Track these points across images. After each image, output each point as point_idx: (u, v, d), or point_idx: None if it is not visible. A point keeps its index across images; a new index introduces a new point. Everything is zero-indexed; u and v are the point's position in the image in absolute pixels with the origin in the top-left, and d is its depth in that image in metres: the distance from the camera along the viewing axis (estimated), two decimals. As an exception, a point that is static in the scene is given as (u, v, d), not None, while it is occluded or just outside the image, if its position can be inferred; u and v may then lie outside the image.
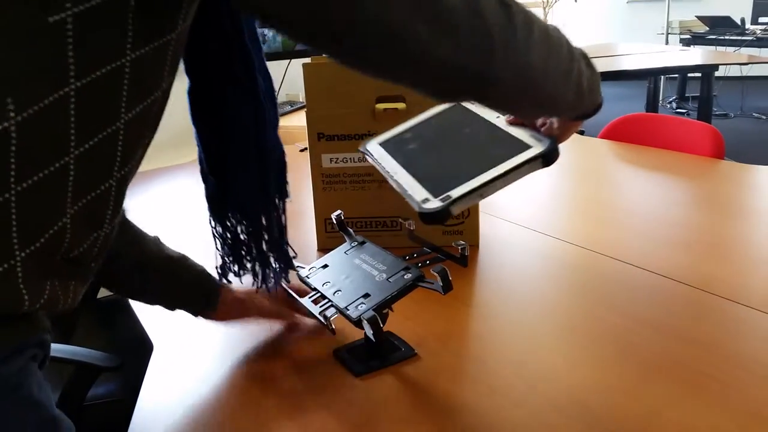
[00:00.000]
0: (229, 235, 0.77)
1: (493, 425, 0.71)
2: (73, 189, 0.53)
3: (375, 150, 0.84)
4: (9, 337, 0.56)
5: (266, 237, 0.77)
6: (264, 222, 0.77)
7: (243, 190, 0.73)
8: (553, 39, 0.61)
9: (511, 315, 0.95)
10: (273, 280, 0.81)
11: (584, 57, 0.68)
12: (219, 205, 0.75)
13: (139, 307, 1.04)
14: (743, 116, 5.73)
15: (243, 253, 0.79)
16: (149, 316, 1.01)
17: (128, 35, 0.51)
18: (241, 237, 0.77)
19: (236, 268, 0.83)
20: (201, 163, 0.75)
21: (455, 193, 0.69)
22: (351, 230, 0.92)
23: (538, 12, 8.17)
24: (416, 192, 0.71)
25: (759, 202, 1.38)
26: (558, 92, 0.64)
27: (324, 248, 1.20)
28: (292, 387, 0.79)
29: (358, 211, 1.19)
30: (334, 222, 0.92)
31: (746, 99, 6.07)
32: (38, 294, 0.55)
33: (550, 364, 0.82)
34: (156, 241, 0.85)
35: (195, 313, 0.87)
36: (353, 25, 0.49)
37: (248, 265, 0.81)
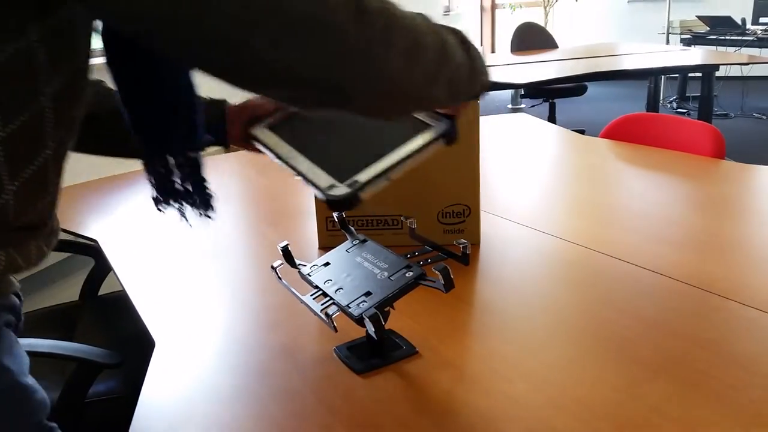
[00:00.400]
0: (153, 170, 0.77)
1: (494, 423, 0.71)
2: (8, 169, 0.55)
3: (266, 136, 0.81)
4: None
5: (180, 174, 0.77)
6: (177, 159, 0.76)
7: (151, 126, 0.72)
8: (420, 45, 0.57)
9: (512, 313, 0.95)
10: (199, 213, 0.81)
11: (462, 42, 0.65)
12: (147, 145, 0.76)
13: (140, 304, 1.04)
14: (744, 116, 5.73)
15: (166, 188, 0.79)
16: (151, 312, 1.01)
17: (30, 14, 0.52)
18: (162, 172, 0.77)
19: (163, 201, 0.82)
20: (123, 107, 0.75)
21: (362, 177, 0.67)
22: (352, 228, 0.92)
23: (539, 12, 8.18)
24: (319, 178, 0.69)
25: (759, 202, 1.39)
26: (425, 95, 0.61)
27: (325, 246, 1.20)
28: (294, 385, 0.80)
29: (359, 210, 1.19)
30: (336, 220, 0.93)
31: (747, 99, 6.07)
32: None
33: (550, 362, 0.82)
34: None
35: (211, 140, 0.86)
36: (199, 33, 0.47)
37: (171, 200, 0.81)
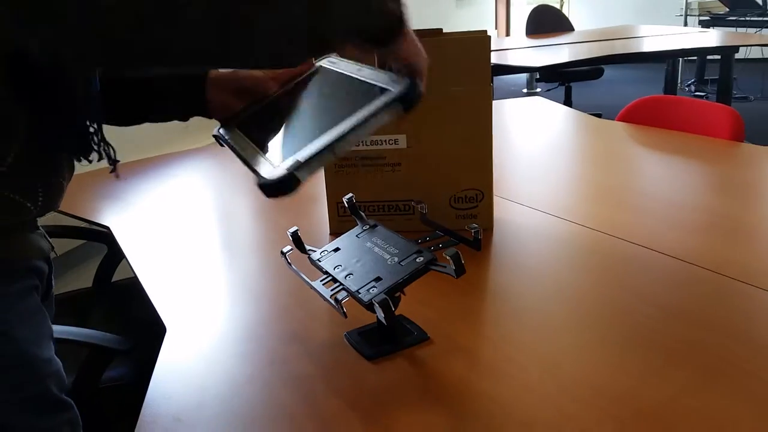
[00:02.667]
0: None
1: (507, 410, 0.70)
2: None
3: (230, 134, 0.77)
4: None
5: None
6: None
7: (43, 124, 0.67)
8: None
9: (525, 299, 0.94)
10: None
11: None
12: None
13: (152, 290, 1.04)
14: (764, 99, 5.63)
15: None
16: (162, 299, 1.01)
17: None
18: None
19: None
20: None
21: (302, 155, 0.59)
22: (363, 213, 0.91)
23: (555, -7, 8.04)
24: (261, 165, 0.63)
25: (780, 186, 1.36)
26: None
27: (337, 232, 1.19)
28: (304, 370, 0.79)
29: (370, 195, 1.18)
30: (346, 205, 0.92)
31: (767, 82, 5.96)
32: None
33: (563, 348, 0.81)
34: None
35: (188, 107, 0.83)
36: None
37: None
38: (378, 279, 0.77)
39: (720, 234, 1.12)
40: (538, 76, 5.56)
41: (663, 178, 1.43)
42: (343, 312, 0.78)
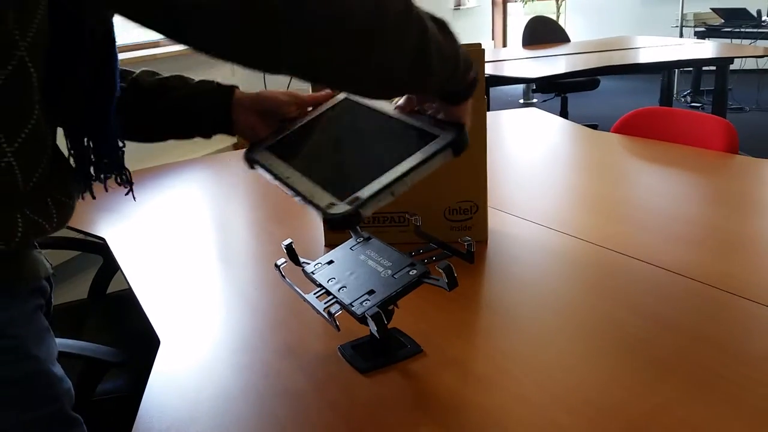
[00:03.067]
0: (74, 144, 0.74)
1: (500, 422, 0.70)
2: (3, 131, 0.55)
3: (263, 157, 0.77)
4: None
5: (90, 131, 0.73)
6: (89, 118, 0.72)
7: (63, 82, 0.68)
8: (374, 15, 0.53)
9: (518, 312, 0.94)
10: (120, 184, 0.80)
11: (440, 24, 0.61)
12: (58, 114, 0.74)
13: (146, 302, 1.04)
14: (759, 110, 5.66)
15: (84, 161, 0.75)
16: (156, 311, 1.01)
17: None
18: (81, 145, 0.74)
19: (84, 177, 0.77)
20: None
21: (364, 193, 0.62)
22: (357, 226, 0.91)
23: (550, 5, 8.11)
24: (319, 197, 0.65)
25: (773, 197, 1.36)
26: (395, 69, 0.56)
27: (331, 244, 1.19)
28: (297, 383, 0.79)
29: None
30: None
31: (762, 92, 5.99)
32: (12, 229, 0.57)
33: (557, 360, 0.81)
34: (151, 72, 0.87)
35: (215, 125, 0.87)
36: None
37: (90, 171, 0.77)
38: (371, 292, 0.78)
39: (713, 246, 1.13)
40: (534, 87, 5.57)
41: (657, 190, 1.44)
42: (336, 325, 0.78)
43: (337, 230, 0.63)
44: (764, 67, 6.14)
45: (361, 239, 0.89)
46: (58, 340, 1.12)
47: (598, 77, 4.57)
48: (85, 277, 1.71)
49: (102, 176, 0.77)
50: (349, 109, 0.80)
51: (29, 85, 0.57)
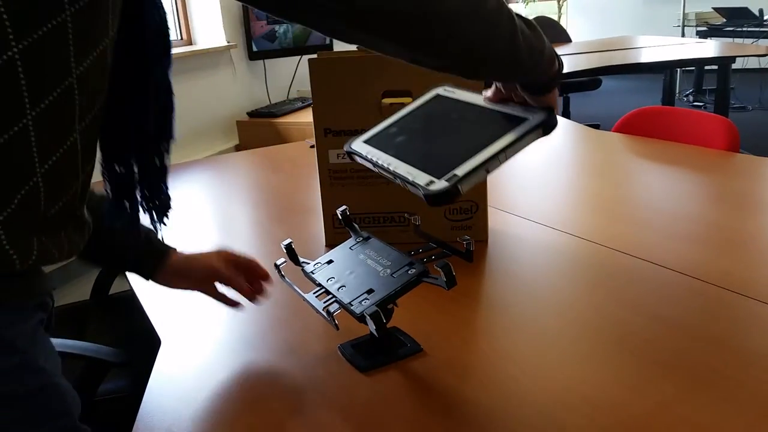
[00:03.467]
0: (114, 176, 0.74)
1: (500, 421, 0.70)
2: (37, 150, 0.55)
3: (361, 148, 0.82)
4: (6, 296, 0.58)
5: (145, 177, 0.74)
6: (144, 162, 0.74)
7: (122, 128, 0.70)
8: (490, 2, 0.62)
9: (518, 311, 0.94)
10: (154, 224, 0.79)
11: (526, 22, 0.68)
12: (106, 147, 0.72)
13: (147, 303, 1.05)
14: (761, 109, 5.65)
15: (125, 194, 0.75)
16: (157, 311, 1.01)
17: None
18: (124, 178, 0.74)
19: (118, 210, 0.77)
20: None
21: (461, 170, 0.67)
22: (356, 225, 0.91)
23: (552, 5, 8.10)
24: (418, 178, 0.69)
25: (774, 196, 1.36)
26: (504, 51, 0.64)
27: (332, 243, 1.20)
28: (297, 383, 0.79)
29: (365, 207, 1.18)
30: (340, 217, 0.92)
31: (764, 91, 5.98)
32: (27, 253, 0.57)
33: (557, 359, 0.81)
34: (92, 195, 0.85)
35: (146, 277, 0.91)
36: None
37: (126, 206, 0.76)
38: (370, 291, 0.78)
39: (714, 245, 1.13)
40: (536, 87, 5.57)
41: (658, 189, 1.44)
42: (335, 324, 0.78)
43: (437, 205, 0.67)
44: (766, 66, 6.12)
45: (361, 239, 0.89)
46: (59, 341, 1.13)
47: (600, 77, 4.57)
48: (87, 278, 1.71)
49: (154, 219, 0.79)
50: (440, 102, 0.85)
51: (71, 111, 0.56)
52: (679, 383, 0.74)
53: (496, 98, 0.78)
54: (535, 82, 0.72)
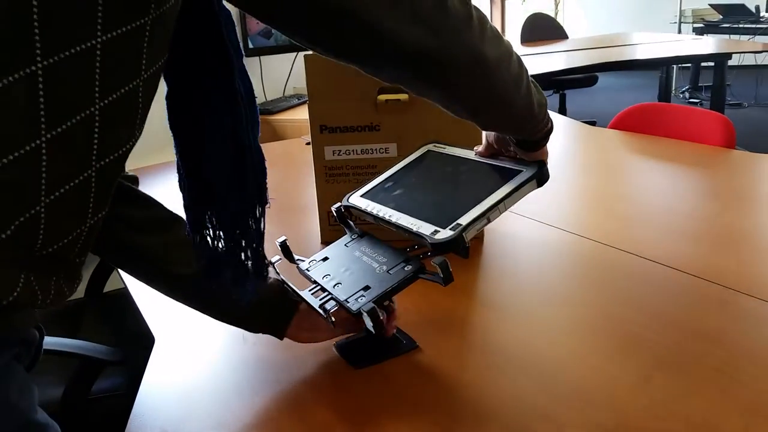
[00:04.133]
0: (209, 246, 0.74)
1: (495, 418, 0.70)
2: (47, 176, 0.52)
3: (360, 202, 0.86)
4: None
5: (243, 244, 0.75)
6: (242, 230, 0.74)
7: (223, 197, 0.71)
8: (504, 44, 0.64)
9: (514, 307, 0.94)
10: (249, 290, 0.77)
11: (533, 81, 0.72)
12: (198, 214, 0.73)
13: (141, 301, 1.04)
14: (757, 105, 5.66)
15: (219, 260, 0.75)
16: (151, 309, 1.01)
17: (98, 16, 0.49)
18: (219, 245, 0.74)
19: (214, 277, 0.77)
20: (178, 170, 0.73)
21: (464, 219, 0.71)
22: (351, 222, 0.91)
23: (548, 2, 8.11)
24: (423, 228, 0.73)
25: (771, 192, 1.36)
26: (509, 92, 0.66)
27: (328, 240, 1.19)
28: (293, 380, 0.79)
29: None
30: (335, 214, 0.92)
31: (761, 88, 5.98)
32: (9, 288, 0.53)
33: (553, 356, 0.80)
34: None
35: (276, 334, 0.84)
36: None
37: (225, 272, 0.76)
38: (366, 288, 0.77)
39: (711, 241, 1.12)
40: (533, 84, 5.57)
41: (655, 186, 1.44)
42: (332, 321, 0.77)
43: (442, 254, 0.71)
44: (763, 63, 6.13)
45: (356, 235, 0.89)
46: (54, 339, 1.13)
47: (597, 74, 4.56)
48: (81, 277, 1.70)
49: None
50: (432, 158, 0.89)
51: (89, 143, 0.54)
52: (678, 380, 0.74)
53: (487, 153, 0.82)
54: (532, 139, 0.76)
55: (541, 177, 0.74)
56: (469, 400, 0.73)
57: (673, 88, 5.63)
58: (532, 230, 1.22)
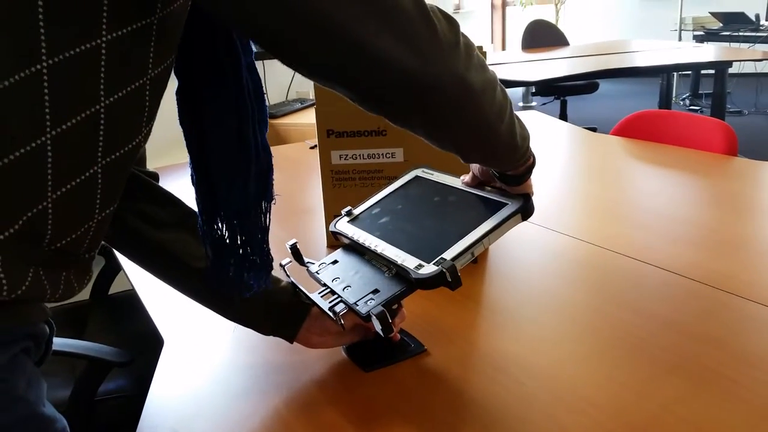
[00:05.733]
0: (216, 239, 0.74)
1: (503, 422, 0.70)
2: (52, 172, 0.52)
3: (347, 229, 0.86)
4: None
5: (247, 239, 0.75)
6: (247, 225, 0.75)
7: (226, 192, 0.71)
8: (489, 73, 0.64)
9: (520, 312, 0.94)
10: (253, 285, 0.78)
11: (516, 115, 0.71)
12: (206, 209, 0.74)
13: (150, 303, 1.05)
14: (757, 113, 5.68)
15: (227, 256, 0.75)
16: (160, 311, 1.01)
17: (103, 16, 0.50)
18: (226, 240, 0.75)
19: (220, 271, 0.78)
20: (191, 166, 0.74)
21: (448, 254, 0.72)
22: (347, 240, 0.92)
23: (549, 9, 8.14)
24: (407, 261, 0.73)
25: (772, 199, 1.37)
26: (492, 121, 0.65)
27: (333, 245, 1.20)
28: (302, 381, 0.80)
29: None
30: (335, 229, 0.92)
31: (760, 96, 6.00)
32: (18, 281, 0.53)
33: (559, 360, 0.81)
34: None
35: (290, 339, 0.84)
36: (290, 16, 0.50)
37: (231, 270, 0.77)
38: (376, 291, 0.78)
39: (712, 247, 1.13)
40: (533, 90, 5.59)
41: (657, 192, 1.45)
42: (341, 324, 0.78)
43: (426, 288, 0.71)
44: (762, 71, 6.16)
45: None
46: (62, 340, 1.13)
47: (598, 80, 4.59)
48: (86, 278, 1.71)
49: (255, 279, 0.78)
50: (420, 184, 0.89)
51: (94, 140, 0.55)
52: (680, 384, 0.75)
53: (473, 183, 0.83)
54: (515, 173, 0.76)
55: (525, 211, 0.74)
56: (475, 403, 0.74)
57: (674, 96, 5.65)
58: (536, 235, 1.23)
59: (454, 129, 0.64)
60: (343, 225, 0.88)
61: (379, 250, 0.78)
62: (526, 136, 0.73)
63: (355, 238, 0.83)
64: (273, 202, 0.76)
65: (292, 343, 0.84)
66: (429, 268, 0.71)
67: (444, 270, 0.69)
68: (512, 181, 0.77)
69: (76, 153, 0.54)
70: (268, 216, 0.76)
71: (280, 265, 0.90)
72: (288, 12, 0.50)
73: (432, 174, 0.90)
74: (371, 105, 0.60)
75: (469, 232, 0.74)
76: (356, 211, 0.90)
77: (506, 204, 0.76)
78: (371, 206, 0.90)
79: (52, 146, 0.51)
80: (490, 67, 0.65)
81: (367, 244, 0.81)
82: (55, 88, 0.50)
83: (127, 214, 0.76)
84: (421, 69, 0.55)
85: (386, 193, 0.91)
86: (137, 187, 0.78)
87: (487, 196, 0.79)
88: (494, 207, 0.76)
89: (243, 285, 0.77)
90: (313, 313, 0.83)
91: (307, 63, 0.55)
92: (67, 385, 1.19)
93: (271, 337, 0.84)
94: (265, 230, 0.77)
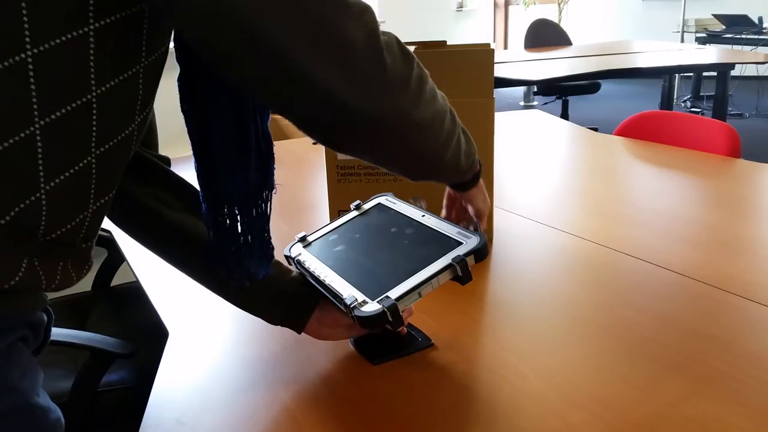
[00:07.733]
0: (218, 225, 0.74)
1: (507, 418, 0.71)
2: (43, 163, 0.52)
3: (301, 255, 0.86)
4: None
5: (248, 227, 0.75)
6: (247, 213, 0.74)
7: (227, 179, 0.71)
8: (439, 103, 0.65)
9: (524, 309, 0.95)
10: (254, 273, 0.78)
11: (463, 128, 0.74)
12: (208, 196, 0.73)
13: (154, 295, 1.05)
14: (759, 116, 5.68)
15: (228, 244, 0.75)
16: (164, 303, 1.01)
17: (89, 3, 0.50)
18: (227, 227, 0.74)
19: (221, 259, 0.78)
20: (193, 154, 0.74)
21: (394, 293, 0.71)
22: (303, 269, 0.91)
23: (552, 8, 8.14)
24: (351, 297, 0.72)
25: (776, 201, 1.37)
26: (438, 152, 0.67)
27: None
28: (308, 374, 0.80)
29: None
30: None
31: (762, 99, 6.01)
32: (12, 272, 0.53)
33: (564, 358, 0.82)
34: None
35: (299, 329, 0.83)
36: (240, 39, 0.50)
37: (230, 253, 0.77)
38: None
39: (715, 248, 1.14)
40: (535, 90, 5.59)
41: (660, 192, 1.45)
42: (353, 316, 0.78)
43: (368, 327, 0.71)
44: (764, 74, 6.17)
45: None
46: (65, 331, 1.13)
47: (599, 81, 4.59)
48: (88, 270, 1.71)
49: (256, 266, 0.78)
50: (381, 212, 0.89)
51: (86, 131, 0.54)
52: (685, 383, 0.75)
53: (447, 216, 0.89)
54: (462, 182, 0.81)
55: (479, 253, 0.73)
56: (481, 400, 0.74)
57: (675, 97, 5.65)
58: (540, 234, 1.23)
59: (399, 158, 0.66)
60: (297, 249, 0.87)
61: (327, 282, 0.77)
62: (471, 152, 0.76)
63: (307, 265, 0.82)
64: (274, 191, 0.76)
65: (300, 333, 0.83)
66: (371, 306, 0.70)
67: (385, 309, 0.69)
68: (459, 188, 0.83)
69: (68, 143, 0.53)
70: (269, 204, 0.75)
71: (290, 257, 0.90)
72: (242, 41, 0.50)
73: (395, 203, 0.89)
74: (319, 137, 0.61)
75: (419, 270, 0.73)
76: (311, 238, 0.89)
77: (461, 243, 0.75)
78: (329, 232, 0.89)
79: (41, 137, 0.51)
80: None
81: (316, 273, 0.80)
82: (41, 78, 0.49)
83: (140, 198, 0.76)
84: (364, 105, 0.56)
85: (347, 219, 0.90)
86: (150, 172, 0.78)
87: (445, 232, 0.78)
88: (449, 245, 0.75)
89: (243, 273, 0.77)
90: (322, 304, 0.83)
91: (265, 91, 0.55)
92: (69, 377, 1.19)
93: (278, 330, 0.84)
94: (266, 218, 0.76)
